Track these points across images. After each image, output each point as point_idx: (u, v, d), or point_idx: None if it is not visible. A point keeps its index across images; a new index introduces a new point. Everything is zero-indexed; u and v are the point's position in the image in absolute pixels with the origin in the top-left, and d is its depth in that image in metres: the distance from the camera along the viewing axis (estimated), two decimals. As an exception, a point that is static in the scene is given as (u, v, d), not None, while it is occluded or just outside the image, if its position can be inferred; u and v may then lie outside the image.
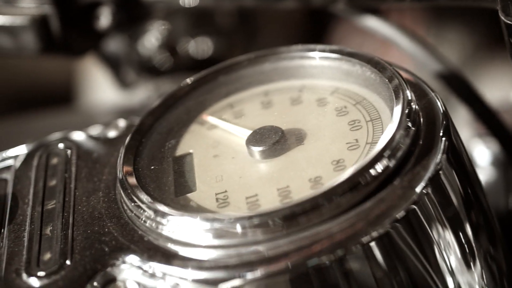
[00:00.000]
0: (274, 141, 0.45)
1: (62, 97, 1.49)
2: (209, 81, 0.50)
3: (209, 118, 0.49)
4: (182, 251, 0.42)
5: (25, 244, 0.45)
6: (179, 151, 0.48)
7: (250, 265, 0.41)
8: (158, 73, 0.67)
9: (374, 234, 0.41)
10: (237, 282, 0.41)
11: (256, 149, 0.45)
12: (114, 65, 0.67)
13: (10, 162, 0.52)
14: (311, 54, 0.49)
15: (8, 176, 0.50)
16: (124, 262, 0.42)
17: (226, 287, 0.41)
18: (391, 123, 0.43)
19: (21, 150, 0.53)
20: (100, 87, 1.43)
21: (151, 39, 0.67)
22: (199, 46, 0.69)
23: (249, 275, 0.41)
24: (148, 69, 0.67)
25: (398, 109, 0.44)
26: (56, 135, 0.53)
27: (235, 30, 0.73)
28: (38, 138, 0.61)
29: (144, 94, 0.68)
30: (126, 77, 0.67)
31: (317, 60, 0.49)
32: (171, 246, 0.42)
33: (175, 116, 0.49)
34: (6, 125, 0.85)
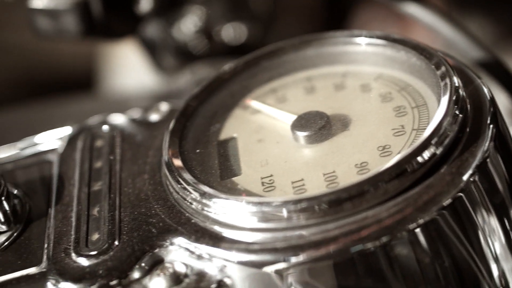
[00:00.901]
0: (319, 126, 0.46)
1: (83, 83, 1.50)
2: (253, 66, 0.51)
3: (253, 103, 0.50)
4: (229, 233, 0.42)
5: (73, 224, 0.45)
6: (223, 135, 0.49)
7: (294, 249, 0.41)
8: (193, 58, 0.67)
9: (421, 220, 0.42)
10: (281, 265, 0.41)
11: (302, 134, 0.46)
12: (152, 50, 0.67)
13: (53, 144, 0.54)
14: (355, 40, 0.49)
15: (53, 158, 0.51)
16: (172, 243, 0.43)
17: (271, 270, 0.42)
18: (439, 109, 0.43)
19: (64, 132, 0.54)
20: (121, 73, 1.43)
21: (188, 24, 0.68)
22: (234, 31, 0.69)
23: (294, 259, 0.41)
24: (184, 54, 0.68)
25: (445, 96, 0.44)
26: (97, 118, 0.54)
27: (269, 16, 0.73)
28: (60, 124, 0.62)
29: (175, 79, 0.69)
30: (163, 62, 0.68)
31: (361, 46, 0.49)
32: (218, 228, 0.43)
33: (219, 100, 0.50)
34: (27, 111, 0.86)
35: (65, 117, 0.76)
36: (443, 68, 0.46)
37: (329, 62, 0.50)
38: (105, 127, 0.51)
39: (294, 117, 0.47)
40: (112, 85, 1.40)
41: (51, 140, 0.53)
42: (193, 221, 0.43)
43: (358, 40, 0.49)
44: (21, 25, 1.52)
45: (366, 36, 0.49)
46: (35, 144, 0.54)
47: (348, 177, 0.43)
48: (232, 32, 0.68)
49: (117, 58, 1.41)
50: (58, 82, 1.54)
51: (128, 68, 1.40)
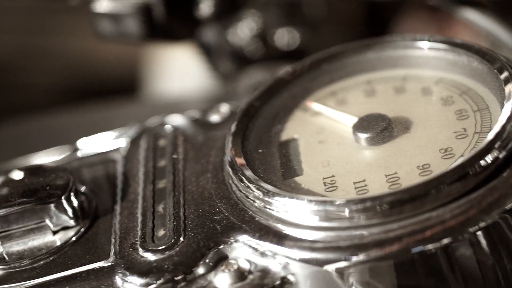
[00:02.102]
0: (381, 128, 0.46)
1: (126, 89, 1.53)
2: (313, 69, 0.51)
3: (313, 105, 0.51)
4: (292, 231, 0.43)
5: (139, 220, 0.47)
6: (284, 136, 0.50)
7: (357, 248, 0.42)
8: (248, 63, 0.69)
9: (483, 223, 0.42)
10: (343, 264, 0.42)
11: (363, 136, 0.46)
12: (208, 54, 0.69)
13: (116, 144, 0.54)
14: (416, 44, 0.50)
15: (117, 157, 0.52)
16: (236, 241, 0.44)
17: (332, 268, 0.42)
18: (502, 113, 0.44)
19: (125, 132, 0.56)
20: (165, 78, 1.46)
21: (244, 28, 0.69)
22: (287, 36, 0.70)
23: (355, 258, 0.42)
24: (239, 58, 0.69)
25: (510, 101, 0.45)
26: (157, 119, 0.55)
27: (322, 22, 0.74)
28: (104, 128, 0.64)
29: (231, 83, 0.70)
30: (219, 66, 0.69)
31: (422, 50, 0.50)
32: (282, 226, 0.43)
33: (280, 102, 0.51)
34: (73, 115, 0.88)
35: (111, 121, 0.78)
36: (506, 73, 0.46)
37: (389, 65, 0.51)
38: (168, 127, 0.53)
39: (355, 119, 0.48)
40: (155, 90, 1.42)
41: (113, 140, 0.55)
42: (256, 219, 0.44)
43: (419, 44, 0.50)
44: (66, 31, 1.56)
45: (427, 40, 0.50)
46: (98, 144, 0.56)
47: (410, 179, 0.44)
48: (285, 37, 0.70)
49: (161, 64, 1.43)
50: (102, 87, 1.57)
51: (172, 73, 1.43)
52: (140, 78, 1.52)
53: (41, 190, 0.47)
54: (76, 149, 0.57)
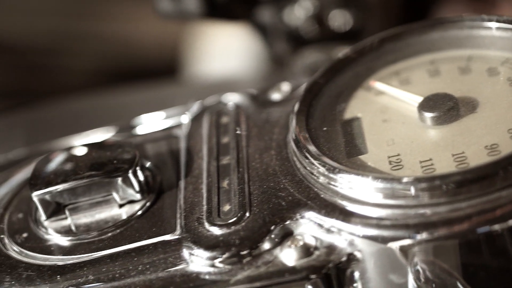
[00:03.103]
0: (448, 107, 0.46)
1: (167, 72, 1.54)
2: (376, 48, 0.51)
3: (377, 84, 0.51)
4: (358, 208, 0.43)
5: (204, 195, 0.47)
6: (348, 115, 0.49)
7: (422, 226, 0.42)
8: (304, 44, 0.69)
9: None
10: (407, 242, 0.42)
11: (430, 115, 0.46)
12: (265, 35, 0.69)
13: (177, 121, 0.55)
14: (482, 23, 0.49)
15: (179, 133, 0.53)
16: (302, 217, 0.44)
17: (396, 246, 0.43)
18: None
19: (186, 109, 0.57)
20: (206, 60, 1.46)
21: (300, 9, 0.69)
22: (342, 18, 0.70)
23: (420, 236, 0.42)
24: (295, 39, 0.69)
25: None
26: (218, 97, 0.56)
27: (376, 5, 0.74)
28: (145, 110, 0.65)
29: (286, 64, 0.70)
30: (275, 47, 0.69)
31: (488, 30, 0.49)
32: (347, 203, 0.44)
33: (344, 81, 0.51)
34: (111, 97, 0.88)
35: (154, 101, 0.79)
36: None
37: (454, 45, 0.50)
38: (230, 105, 0.53)
39: (420, 98, 0.48)
40: (196, 72, 1.43)
41: (174, 117, 0.56)
42: (322, 196, 0.45)
43: (485, 24, 0.49)
44: (107, 15, 1.57)
45: (493, 20, 0.49)
46: (159, 121, 0.56)
47: (478, 158, 0.43)
48: (340, 18, 0.69)
49: (202, 46, 1.44)
50: (143, 71, 1.58)
51: (213, 54, 1.43)
52: (181, 60, 1.53)
53: (109, 164, 0.48)
54: (134, 126, 0.58)
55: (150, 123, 0.58)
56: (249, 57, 1.30)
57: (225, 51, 1.45)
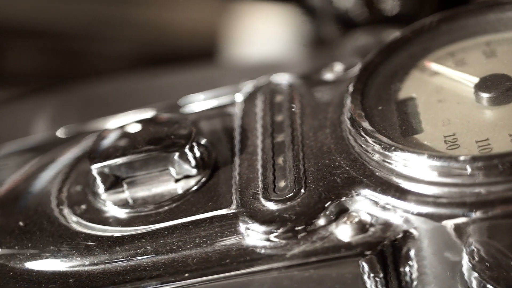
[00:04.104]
0: (506, 87, 0.46)
1: (202, 55, 1.55)
2: (432, 29, 0.51)
3: (432, 65, 0.51)
4: (413, 186, 0.43)
5: (259, 171, 0.48)
6: (403, 95, 0.50)
7: (478, 205, 0.42)
8: (353, 27, 0.69)
9: None
10: (462, 220, 0.42)
11: (486, 95, 0.46)
12: (314, 17, 0.69)
13: (230, 99, 0.56)
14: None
15: (233, 111, 0.54)
16: (357, 194, 0.45)
17: (451, 224, 0.43)
18: None
19: (238, 88, 0.57)
20: (244, 43, 1.47)
21: (350, -9, 0.69)
22: (392, 1, 0.70)
23: (475, 215, 0.42)
24: (344, 22, 0.69)
25: None
26: (271, 77, 0.56)
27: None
28: (185, 92, 0.65)
29: (335, 47, 0.71)
30: (325, 30, 0.69)
31: (546, 12, 0.51)
32: (402, 181, 0.44)
33: (399, 61, 0.51)
34: (151, 80, 0.89)
35: (193, 84, 0.80)
36: None
37: (510, 27, 0.50)
38: (284, 84, 0.54)
39: (475, 79, 0.48)
40: (233, 56, 1.44)
41: (225, 96, 0.56)
42: (377, 174, 0.45)
43: (544, 5, 0.51)
44: (143, 2, 1.58)
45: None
46: (209, 100, 0.57)
47: (536, 138, 0.45)
48: (390, 1, 0.69)
49: (240, 30, 1.44)
50: (179, 56, 1.59)
51: (251, 39, 1.44)
52: (218, 45, 1.54)
53: (166, 139, 0.49)
54: (182, 106, 0.59)
55: (199, 102, 0.59)
56: (286, 41, 1.31)
57: (262, 35, 1.45)
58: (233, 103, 0.54)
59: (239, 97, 0.54)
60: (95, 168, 0.48)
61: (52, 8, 1.64)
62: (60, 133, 0.61)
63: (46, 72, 1.72)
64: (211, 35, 1.61)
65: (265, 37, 1.42)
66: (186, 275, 0.44)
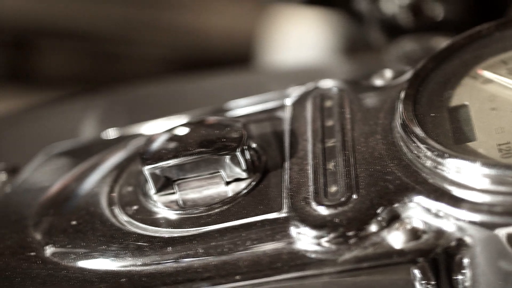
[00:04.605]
0: (561, 97, 0.47)
1: (236, 60, 1.55)
2: (485, 36, 0.51)
3: (484, 73, 0.51)
4: (466, 194, 0.43)
5: (310, 176, 0.48)
6: (455, 102, 0.50)
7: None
8: (399, 33, 0.69)
9: None
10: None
11: (542, 104, 0.48)
12: (361, 23, 0.69)
13: (278, 103, 0.56)
14: None
15: (282, 115, 0.54)
16: (410, 201, 0.45)
17: (503, 232, 0.42)
18: None
19: (288, 93, 0.58)
20: (281, 47, 1.47)
21: (397, -3, 0.69)
22: (439, 8, 0.70)
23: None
24: (391, 28, 0.69)
25: None
26: (319, 82, 0.56)
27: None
28: (219, 97, 0.65)
29: (382, 52, 0.71)
30: (370, 35, 0.70)
31: None
32: (456, 189, 0.44)
33: (451, 68, 0.51)
34: (189, 83, 0.90)
35: (224, 91, 0.80)
36: None
37: None
38: (334, 89, 0.54)
39: (530, 88, 0.49)
40: (269, 62, 1.44)
41: (277, 100, 0.57)
42: (430, 181, 0.45)
43: None
44: (177, 6, 1.59)
45: None
46: (261, 103, 0.58)
47: None
48: (436, 9, 0.69)
49: (276, 36, 1.45)
50: (212, 61, 1.60)
51: (287, 45, 1.44)
52: (252, 51, 1.54)
53: (218, 142, 0.49)
54: (227, 110, 0.60)
55: (245, 106, 0.60)
56: (322, 47, 1.31)
57: (299, 40, 1.46)
58: (282, 107, 0.54)
59: (288, 102, 0.55)
60: (147, 169, 0.48)
61: (88, 11, 1.66)
62: (105, 135, 0.62)
63: (80, 74, 1.74)
64: (245, 40, 1.62)
65: (302, 42, 1.42)
66: (237, 277, 0.45)
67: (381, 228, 0.44)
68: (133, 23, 1.72)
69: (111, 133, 0.62)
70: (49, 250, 0.48)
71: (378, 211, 0.45)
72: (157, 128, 0.59)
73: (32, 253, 0.48)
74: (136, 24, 1.72)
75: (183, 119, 0.61)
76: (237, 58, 1.64)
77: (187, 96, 0.83)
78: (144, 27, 1.71)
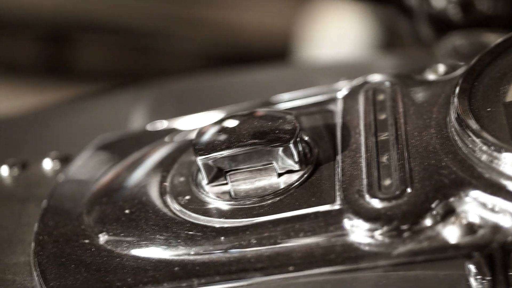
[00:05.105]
0: None
1: (271, 56, 1.55)
2: (541, 31, 0.52)
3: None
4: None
5: (363, 169, 0.48)
6: (511, 97, 0.49)
7: None
8: (449, 29, 0.68)
9: None
10: None
11: None
12: (410, 18, 0.69)
13: (330, 97, 0.56)
14: None
15: (333, 108, 0.54)
16: (465, 195, 0.44)
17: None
18: None
19: (339, 86, 0.58)
20: (319, 43, 1.47)
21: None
22: (489, 4, 0.69)
23: None
24: (441, 24, 0.68)
25: None
26: (370, 76, 0.56)
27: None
28: (264, 90, 0.65)
29: (431, 49, 0.70)
30: (420, 31, 0.69)
31: None
32: (512, 184, 0.45)
33: (507, 63, 0.50)
34: (231, 77, 0.90)
35: (261, 86, 0.80)
36: None
37: None
38: (386, 84, 0.53)
39: None
40: (306, 57, 1.44)
41: (328, 93, 0.57)
42: (486, 175, 0.44)
43: None
44: (216, 3, 1.60)
45: None
46: (311, 97, 0.58)
47: None
48: (487, 4, 0.69)
49: (314, 32, 1.44)
50: (249, 57, 1.61)
51: (325, 40, 1.44)
52: (289, 47, 1.54)
53: (270, 133, 0.49)
54: (275, 103, 0.60)
55: (294, 100, 0.60)
56: (360, 43, 1.30)
57: (337, 36, 1.46)
58: (333, 101, 0.54)
59: (339, 95, 0.54)
60: (200, 159, 0.49)
61: (126, 6, 1.67)
62: (154, 127, 0.63)
63: (117, 68, 1.76)
64: (281, 36, 1.62)
65: (340, 38, 1.42)
66: (290, 268, 0.45)
67: (436, 222, 0.44)
68: (171, 18, 1.73)
69: (159, 125, 0.63)
70: (102, 238, 0.49)
71: (433, 205, 0.45)
72: (205, 121, 0.59)
73: (86, 241, 0.49)
74: (173, 19, 1.73)
75: (230, 111, 0.61)
76: (272, 54, 1.64)
77: (232, 90, 0.83)
78: (181, 22, 1.72)
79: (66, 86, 1.72)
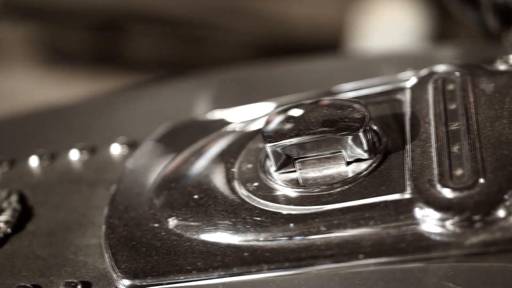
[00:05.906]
0: None
1: (326, 45, 1.55)
2: None
3: None
4: None
5: (434, 159, 0.47)
6: None
7: None
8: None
9: None
10: None
11: None
12: (476, 9, 0.68)
13: (397, 86, 0.56)
14: None
15: (402, 97, 0.54)
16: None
17: None
18: None
19: (405, 76, 0.57)
20: (370, 35, 1.46)
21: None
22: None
23: None
24: (504, 15, 0.67)
25: None
26: (440, 66, 0.56)
27: None
28: (324, 80, 0.64)
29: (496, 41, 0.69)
30: (487, 22, 0.68)
31: None
32: None
33: None
34: (283, 68, 0.90)
35: (313, 76, 0.80)
36: None
37: None
38: (456, 74, 0.53)
39: None
40: (357, 49, 1.43)
41: (397, 82, 0.56)
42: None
43: None
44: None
45: None
46: (380, 85, 0.57)
47: None
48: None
49: (366, 24, 1.44)
50: (299, 49, 1.60)
51: (377, 32, 1.43)
52: (339, 39, 1.53)
53: (340, 121, 0.49)
54: (336, 93, 0.60)
55: (357, 90, 0.59)
56: (413, 34, 1.29)
57: (389, 28, 1.44)
58: (401, 90, 0.54)
59: (407, 84, 0.54)
60: (269, 146, 0.49)
61: (181, -1, 1.69)
62: (218, 114, 0.63)
63: (167, 57, 1.78)
64: (329, 28, 1.61)
65: (393, 29, 1.40)
66: (360, 256, 0.45)
67: (510, 213, 0.44)
68: (221, 10, 1.74)
69: (222, 113, 0.64)
70: (172, 222, 0.50)
71: (506, 196, 0.44)
72: (269, 109, 0.59)
73: (156, 225, 0.50)
74: (223, 11, 1.74)
75: (294, 100, 0.61)
76: (322, 46, 1.63)
77: (291, 79, 0.83)
78: (232, 14, 1.73)
79: (117, 75, 1.74)
